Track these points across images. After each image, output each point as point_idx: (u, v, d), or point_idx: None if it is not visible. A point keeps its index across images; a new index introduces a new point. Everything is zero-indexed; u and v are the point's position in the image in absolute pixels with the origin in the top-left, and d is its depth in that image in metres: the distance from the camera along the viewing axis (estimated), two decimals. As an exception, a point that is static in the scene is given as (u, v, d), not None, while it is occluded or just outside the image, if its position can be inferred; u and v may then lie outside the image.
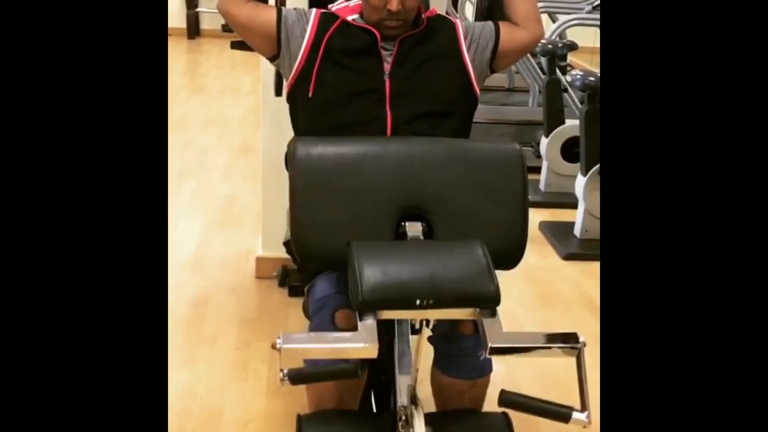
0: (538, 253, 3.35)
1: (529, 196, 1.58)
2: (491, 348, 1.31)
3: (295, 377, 1.31)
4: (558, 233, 3.50)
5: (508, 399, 1.33)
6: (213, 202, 3.72)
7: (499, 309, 1.59)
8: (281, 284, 2.86)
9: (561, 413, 1.32)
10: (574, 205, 3.52)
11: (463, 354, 1.64)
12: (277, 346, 1.25)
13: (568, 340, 1.33)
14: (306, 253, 1.51)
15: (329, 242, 1.47)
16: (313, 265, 1.64)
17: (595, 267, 3.13)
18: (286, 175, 1.55)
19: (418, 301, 1.30)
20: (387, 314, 1.33)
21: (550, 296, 3.01)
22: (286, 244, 1.73)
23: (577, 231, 3.46)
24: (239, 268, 3.03)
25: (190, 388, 2.25)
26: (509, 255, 1.54)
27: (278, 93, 2.25)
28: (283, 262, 2.81)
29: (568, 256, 3.33)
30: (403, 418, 1.43)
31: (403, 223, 1.49)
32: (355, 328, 1.32)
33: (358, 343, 1.29)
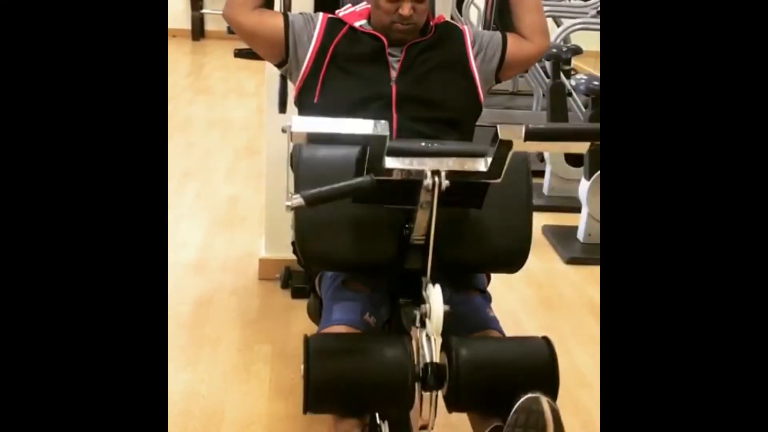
0: (541, 257, 3.34)
1: (533, 200, 1.58)
2: (527, 132, 1.29)
3: (310, 198, 1.26)
4: (561, 237, 3.50)
5: (530, 131, 1.29)
6: (216, 203, 3.72)
7: (501, 311, 1.58)
8: (284, 286, 2.86)
9: (588, 132, 1.32)
10: (577, 209, 3.52)
11: (471, 310, 1.63)
12: (287, 126, 1.23)
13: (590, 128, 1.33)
14: (310, 254, 1.52)
15: (333, 243, 1.47)
16: (317, 266, 1.65)
17: (597, 271, 3.11)
18: (290, 176, 1.56)
19: (423, 143, 1.32)
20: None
21: (552, 300, 3.01)
22: (293, 243, 1.73)
23: (580, 235, 3.46)
24: (242, 269, 3.03)
25: (192, 389, 2.25)
26: (513, 258, 1.54)
27: (282, 110, 2.25)
28: (286, 263, 2.81)
29: (571, 260, 3.32)
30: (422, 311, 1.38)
31: (407, 225, 1.49)
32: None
33: (371, 128, 1.28)
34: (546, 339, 1.50)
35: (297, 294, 2.77)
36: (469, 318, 1.61)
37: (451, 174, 1.33)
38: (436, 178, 1.32)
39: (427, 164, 1.33)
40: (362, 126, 1.28)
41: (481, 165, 1.35)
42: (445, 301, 1.59)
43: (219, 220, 3.52)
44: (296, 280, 2.79)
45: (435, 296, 1.34)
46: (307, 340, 1.44)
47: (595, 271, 3.20)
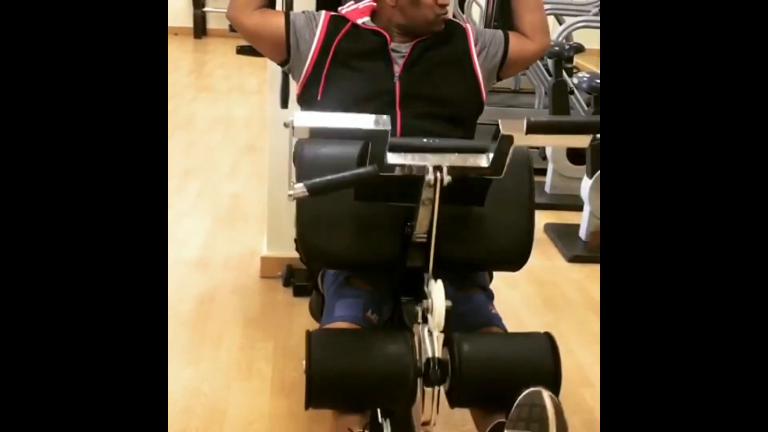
0: (543, 255, 3.34)
1: (535, 198, 1.58)
2: (528, 125, 1.29)
3: (313, 187, 1.27)
4: (563, 235, 3.49)
5: (532, 124, 1.30)
6: (218, 201, 3.72)
7: (503, 309, 1.58)
8: (286, 284, 2.86)
9: (589, 125, 1.34)
10: (579, 208, 3.51)
11: (473, 308, 1.63)
12: (289, 122, 1.24)
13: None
14: (311, 252, 1.52)
15: (334, 241, 1.47)
16: (319, 264, 1.65)
17: (599, 270, 3.12)
18: (292, 171, 1.55)
19: (425, 139, 1.34)
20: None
21: (554, 298, 3.01)
22: (297, 240, 1.73)
23: (582, 233, 3.46)
24: (244, 267, 3.03)
25: (194, 386, 2.25)
26: (515, 256, 1.54)
27: (284, 105, 2.25)
28: (288, 261, 2.81)
29: (572, 259, 3.32)
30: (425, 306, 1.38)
31: (409, 223, 1.49)
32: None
33: (373, 123, 1.29)
34: (548, 335, 1.50)
35: (299, 292, 2.77)
36: (471, 316, 1.61)
37: (452, 170, 1.33)
38: (438, 174, 1.32)
39: (429, 160, 1.34)
40: (364, 121, 1.29)
41: (483, 161, 1.36)
42: (447, 299, 1.60)
43: (221, 218, 3.52)
44: (298, 278, 2.79)
45: (437, 292, 1.34)
46: (309, 335, 1.44)
47: (597, 269, 3.20)
